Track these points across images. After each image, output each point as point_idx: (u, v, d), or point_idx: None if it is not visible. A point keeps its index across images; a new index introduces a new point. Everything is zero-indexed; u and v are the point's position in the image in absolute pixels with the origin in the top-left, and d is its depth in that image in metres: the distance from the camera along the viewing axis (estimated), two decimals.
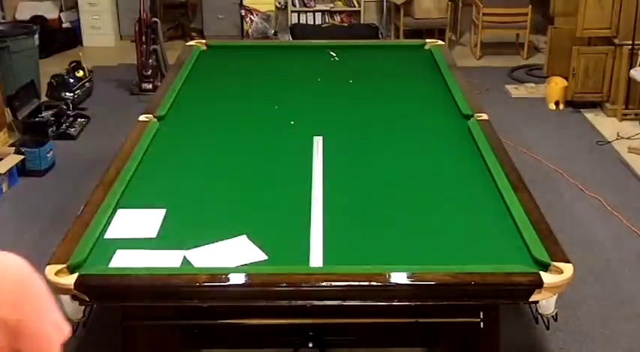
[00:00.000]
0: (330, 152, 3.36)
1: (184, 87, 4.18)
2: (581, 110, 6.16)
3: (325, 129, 3.62)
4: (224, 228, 2.68)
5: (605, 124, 5.86)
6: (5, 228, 4.31)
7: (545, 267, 2.35)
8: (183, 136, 3.56)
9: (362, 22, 8.30)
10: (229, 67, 4.65)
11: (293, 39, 7.88)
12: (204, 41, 5.18)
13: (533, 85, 6.76)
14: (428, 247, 2.55)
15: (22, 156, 4.92)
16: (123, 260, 2.44)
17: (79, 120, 5.85)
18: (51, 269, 2.34)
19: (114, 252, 2.49)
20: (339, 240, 2.60)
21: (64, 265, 2.35)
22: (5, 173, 4.74)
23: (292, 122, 3.67)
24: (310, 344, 2.68)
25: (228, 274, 2.32)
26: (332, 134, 3.56)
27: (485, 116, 3.65)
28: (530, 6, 7.50)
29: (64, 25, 8.27)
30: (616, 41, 5.86)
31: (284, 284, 2.30)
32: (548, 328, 2.51)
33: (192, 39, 6.77)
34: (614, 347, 3.28)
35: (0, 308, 1.20)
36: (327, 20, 8.42)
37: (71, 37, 8.21)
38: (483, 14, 7.47)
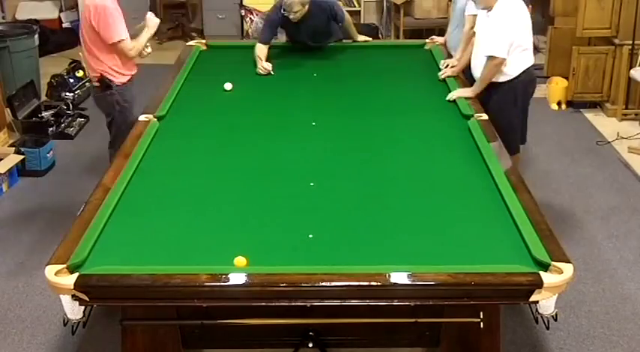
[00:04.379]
0: (329, 151, 3.37)
1: (184, 87, 4.19)
2: (581, 110, 6.16)
3: (325, 128, 3.63)
4: (224, 227, 2.69)
5: (605, 124, 5.87)
6: (5, 228, 4.31)
7: (545, 267, 2.35)
8: (182, 136, 3.56)
9: (362, 22, 8.30)
10: (229, 67, 4.65)
11: None
12: (204, 41, 5.19)
13: None
14: (428, 247, 2.55)
15: (22, 156, 4.92)
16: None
17: (77, 120, 5.85)
18: (51, 270, 2.34)
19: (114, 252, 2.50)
20: (339, 240, 2.60)
21: (64, 265, 2.35)
22: (5, 173, 4.74)
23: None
24: (310, 344, 2.68)
25: (228, 274, 2.32)
26: (331, 133, 3.57)
27: (485, 116, 3.65)
28: (530, 6, 7.49)
29: (64, 25, 8.27)
30: (616, 41, 5.86)
31: (284, 284, 2.30)
32: (548, 328, 2.51)
33: (192, 39, 6.77)
34: (614, 347, 3.28)
35: None
36: None
37: (71, 37, 8.20)
38: None
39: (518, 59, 3.98)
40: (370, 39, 5.19)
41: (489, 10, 3.93)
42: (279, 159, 3.28)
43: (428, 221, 2.74)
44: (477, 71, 4.06)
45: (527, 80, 4.07)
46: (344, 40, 5.04)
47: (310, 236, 2.61)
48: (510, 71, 3.98)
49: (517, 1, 3.96)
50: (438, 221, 2.74)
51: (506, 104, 4.02)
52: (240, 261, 2.41)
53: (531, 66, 4.07)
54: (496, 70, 3.92)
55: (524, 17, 3.97)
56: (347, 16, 4.90)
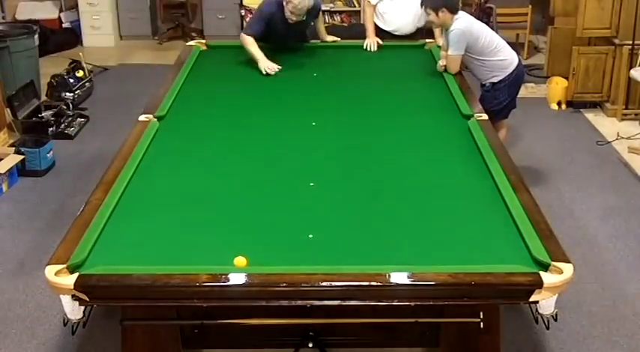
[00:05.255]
0: (329, 152, 3.36)
1: (184, 87, 4.19)
2: (581, 110, 6.17)
3: (325, 128, 3.63)
4: (224, 227, 2.68)
5: (605, 124, 5.87)
6: (5, 228, 4.31)
7: (545, 267, 2.35)
8: (183, 136, 3.56)
9: (362, 22, 8.29)
10: (229, 67, 4.65)
11: None
12: (204, 41, 5.19)
13: (533, 85, 6.76)
14: (428, 247, 2.55)
15: (22, 156, 4.92)
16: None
17: (77, 120, 5.85)
18: (51, 270, 2.34)
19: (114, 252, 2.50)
20: (339, 240, 2.60)
21: (64, 265, 2.35)
22: (5, 173, 4.74)
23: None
24: (310, 344, 2.68)
25: (228, 274, 2.32)
26: (331, 133, 3.57)
27: (485, 116, 3.65)
28: (530, 6, 7.50)
29: (64, 25, 8.27)
30: (616, 41, 5.87)
31: (284, 284, 2.30)
32: (548, 328, 2.50)
33: (192, 39, 6.77)
34: (614, 347, 3.28)
35: None
36: (327, 20, 8.42)
37: (71, 37, 8.21)
38: None
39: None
40: (339, 39, 5.15)
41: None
42: (279, 159, 3.28)
43: (428, 221, 2.74)
44: None
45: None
46: (311, 41, 5.07)
47: (310, 236, 2.61)
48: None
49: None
50: (438, 221, 2.74)
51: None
52: (240, 261, 2.41)
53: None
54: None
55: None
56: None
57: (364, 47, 4.95)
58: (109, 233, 2.61)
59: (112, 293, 2.38)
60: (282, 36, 4.70)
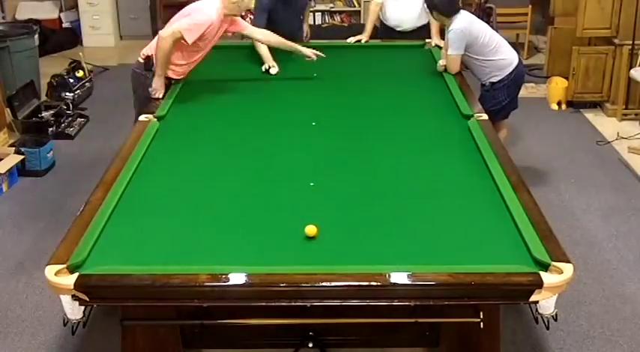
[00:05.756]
0: (329, 151, 3.37)
1: (184, 86, 4.19)
2: (581, 110, 6.17)
3: (325, 128, 3.63)
4: (224, 227, 2.68)
5: (605, 124, 5.87)
6: (5, 228, 4.31)
7: (545, 267, 2.35)
8: (182, 136, 3.56)
9: (362, 22, 8.30)
10: (229, 67, 4.66)
11: None
12: None
13: (533, 85, 6.76)
14: (428, 247, 2.55)
15: (22, 156, 4.92)
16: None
17: (77, 120, 5.85)
18: (51, 270, 2.33)
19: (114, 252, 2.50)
20: (339, 239, 2.60)
21: (64, 265, 2.35)
22: (5, 173, 4.74)
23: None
24: (310, 344, 2.68)
25: (228, 274, 2.32)
26: (331, 133, 3.57)
27: (485, 116, 3.65)
28: (530, 6, 7.51)
29: (64, 25, 8.28)
30: (616, 41, 5.87)
31: (284, 285, 2.30)
32: (548, 328, 2.50)
33: None
34: (614, 347, 3.28)
35: None
36: (327, 20, 8.43)
37: (71, 37, 8.22)
38: None
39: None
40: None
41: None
42: (279, 159, 3.28)
43: (428, 221, 2.74)
44: None
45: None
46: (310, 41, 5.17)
47: None
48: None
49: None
50: (438, 221, 2.74)
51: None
52: (311, 229, 2.52)
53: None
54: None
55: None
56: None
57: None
58: (109, 233, 2.61)
59: (112, 293, 2.38)
60: (284, 18, 4.87)
